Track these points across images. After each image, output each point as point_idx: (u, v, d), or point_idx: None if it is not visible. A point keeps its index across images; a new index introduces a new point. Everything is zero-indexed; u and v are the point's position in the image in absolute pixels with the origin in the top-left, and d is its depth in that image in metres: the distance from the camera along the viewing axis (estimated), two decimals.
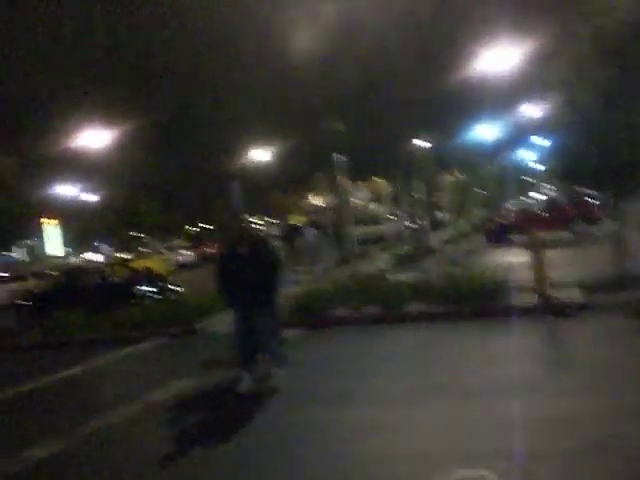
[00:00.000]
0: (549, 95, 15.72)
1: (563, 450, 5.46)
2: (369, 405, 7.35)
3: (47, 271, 36.30)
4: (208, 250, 45.68)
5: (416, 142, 31.87)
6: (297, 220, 49.12)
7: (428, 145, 32.73)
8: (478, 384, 7.61)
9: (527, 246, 13.16)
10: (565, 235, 25.15)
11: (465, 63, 20.90)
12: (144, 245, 63.45)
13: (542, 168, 59.90)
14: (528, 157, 55.45)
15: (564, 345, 9.60)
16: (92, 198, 71.35)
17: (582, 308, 11.03)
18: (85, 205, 72.82)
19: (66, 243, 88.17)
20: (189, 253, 47.09)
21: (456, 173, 47.17)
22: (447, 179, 46.51)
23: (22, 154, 17.98)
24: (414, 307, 12.35)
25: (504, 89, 22.92)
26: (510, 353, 9.02)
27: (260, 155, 51.95)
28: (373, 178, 51.55)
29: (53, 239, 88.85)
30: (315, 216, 44.61)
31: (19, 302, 20.79)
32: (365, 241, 30.28)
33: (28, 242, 76.85)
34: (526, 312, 11.11)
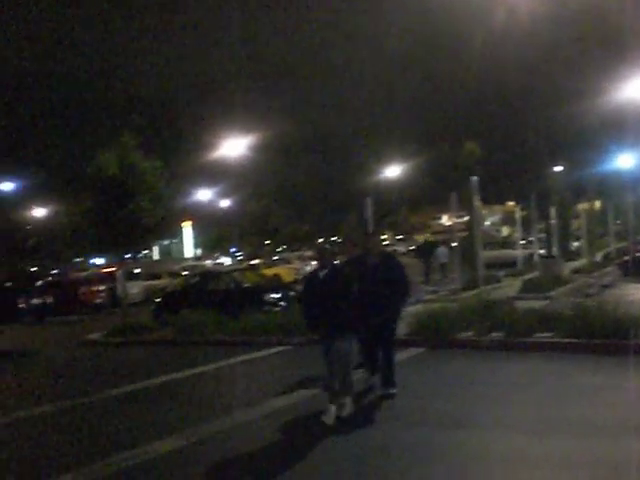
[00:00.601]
0: None
1: None
2: (484, 432, 7.28)
3: (182, 272, 37.87)
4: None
5: (552, 168, 31.23)
6: (425, 239, 48.86)
7: (564, 171, 31.97)
8: (602, 422, 7.37)
9: None
10: None
11: (608, 90, 20.39)
12: (274, 253, 64.92)
13: None
14: None
15: None
16: (227, 205, 73.78)
17: None
18: (221, 211, 75.39)
19: (198, 245, 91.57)
20: (316, 264, 47.82)
21: (592, 201, 45.70)
22: (582, 207, 45.12)
23: (167, 160, 18.90)
24: (541, 336, 12.14)
25: None
26: None
27: (393, 172, 52.22)
28: (507, 203, 50.78)
29: (187, 241, 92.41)
30: (445, 236, 44.33)
31: (156, 300, 21.84)
32: (494, 265, 29.84)
33: (164, 242, 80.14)
34: None
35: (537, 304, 15.61)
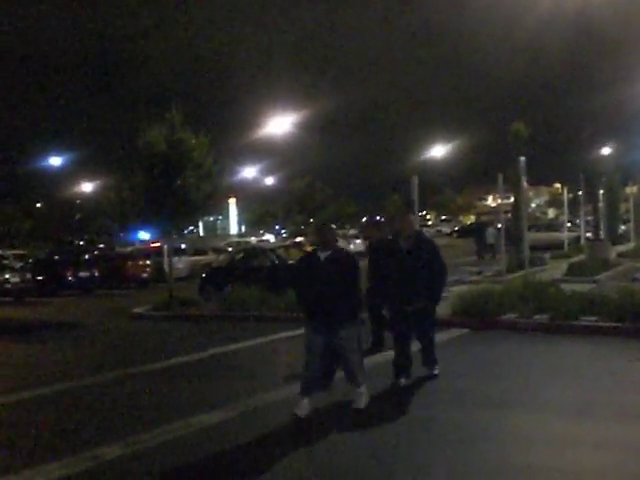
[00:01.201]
0: None
1: None
2: (525, 413, 7.28)
3: (227, 248, 38.18)
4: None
5: (601, 151, 30.70)
6: (478, 219, 48.45)
7: (613, 154, 31.43)
8: None
9: None
10: None
11: None
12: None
13: None
14: None
15: None
16: (272, 182, 74.09)
17: None
18: (266, 188, 75.77)
19: (242, 223, 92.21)
20: (361, 242, 47.90)
21: None
22: (631, 191, 44.39)
23: (213, 138, 19.02)
24: (585, 320, 12.06)
25: None
26: None
27: (438, 151, 51.81)
28: (553, 185, 50.11)
29: (232, 218, 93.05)
30: (491, 217, 43.98)
31: (202, 275, 22.11)
32: (539, 247, 29.59)
33: (209, 219, 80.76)
34: None
35: (583, 287, 15.48)
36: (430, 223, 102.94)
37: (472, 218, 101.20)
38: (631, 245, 31.77)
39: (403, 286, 8.46)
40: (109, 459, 6.48)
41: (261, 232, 75.89)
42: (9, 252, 40.88)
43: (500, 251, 21.51)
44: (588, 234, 33.32)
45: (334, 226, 8.85)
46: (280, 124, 43.46)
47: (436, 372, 8.93)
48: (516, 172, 20.31)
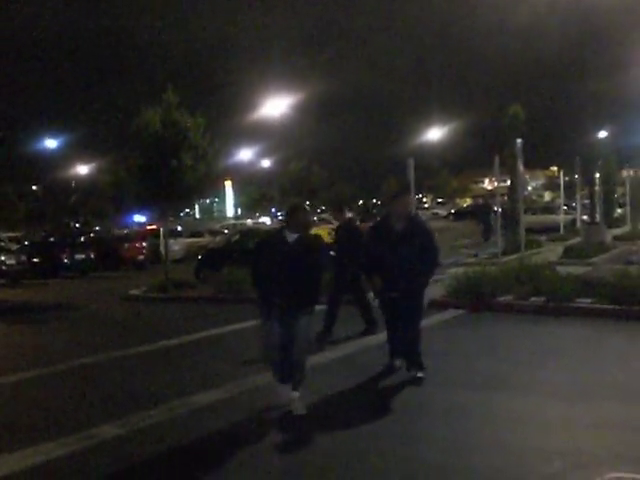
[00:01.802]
0: None
1: None
2: (520, 394, 7.30)
3: (223, 230, 38.19)
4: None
5: (597, 134, 30.66)
6: (484, 200, 48.30)
7: (609, 138, 31.40)
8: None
9: None
10: None
11: None
12: (315, 214, 65.09)
13: None
14: None
15: None
16: (268, 165, 73.94)
17: None
18: (262, 171, 75.63)
19: (238, 205, 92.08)
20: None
21: (637, 169, 44.90)
22: (627, 174, 44.37)
23: (210, 119, 18.93)
24: (581, 302, 12.09)
25: None
26: None
27: (434, 134, 51.70)
28: (550, 168, 50.12)
29: (228, 200, 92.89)
30: (487, 200, 43.94)
31: (198, 257, 22.12)
32: (534, 230, 29.63)
33: (205, 201, 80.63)
34: None
35: (578, 270, 15.50)
36: (427, 206, 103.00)
37: (468, 201, 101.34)
38: (627, 228, 31.77)
39: (391, 269, 8.02)
40: (106, 438, 6.51)
41: (257, 214, 75.81)
42: (4, 234, 40.85)
43: (496, 233, 21.52)
44: (584, 217, 33.34)
45: (308, 207, 8.49)
46: (276, 106, 43.46)
47: (420, 375, 8.06)
48: (513, 154, 20.26)
